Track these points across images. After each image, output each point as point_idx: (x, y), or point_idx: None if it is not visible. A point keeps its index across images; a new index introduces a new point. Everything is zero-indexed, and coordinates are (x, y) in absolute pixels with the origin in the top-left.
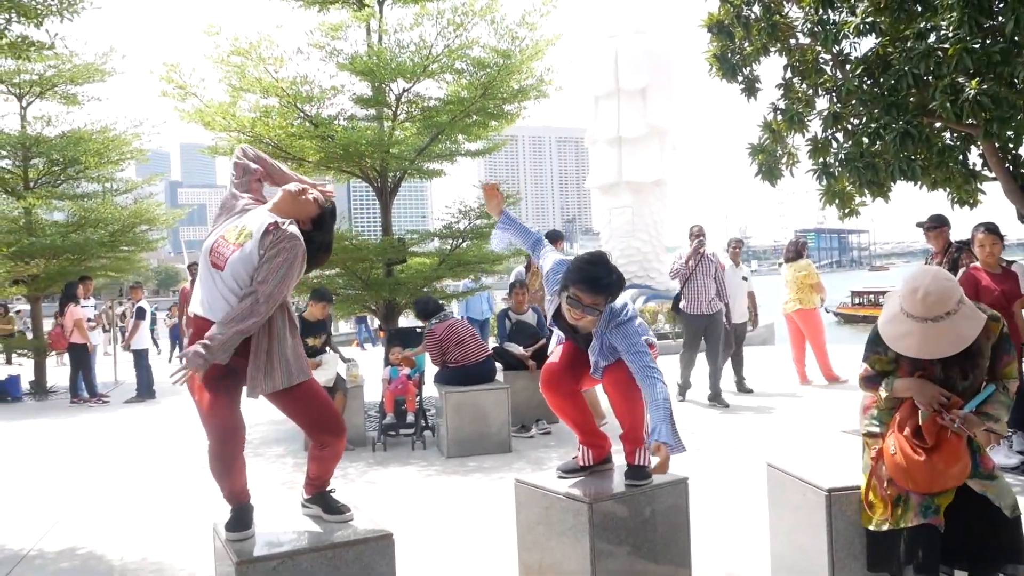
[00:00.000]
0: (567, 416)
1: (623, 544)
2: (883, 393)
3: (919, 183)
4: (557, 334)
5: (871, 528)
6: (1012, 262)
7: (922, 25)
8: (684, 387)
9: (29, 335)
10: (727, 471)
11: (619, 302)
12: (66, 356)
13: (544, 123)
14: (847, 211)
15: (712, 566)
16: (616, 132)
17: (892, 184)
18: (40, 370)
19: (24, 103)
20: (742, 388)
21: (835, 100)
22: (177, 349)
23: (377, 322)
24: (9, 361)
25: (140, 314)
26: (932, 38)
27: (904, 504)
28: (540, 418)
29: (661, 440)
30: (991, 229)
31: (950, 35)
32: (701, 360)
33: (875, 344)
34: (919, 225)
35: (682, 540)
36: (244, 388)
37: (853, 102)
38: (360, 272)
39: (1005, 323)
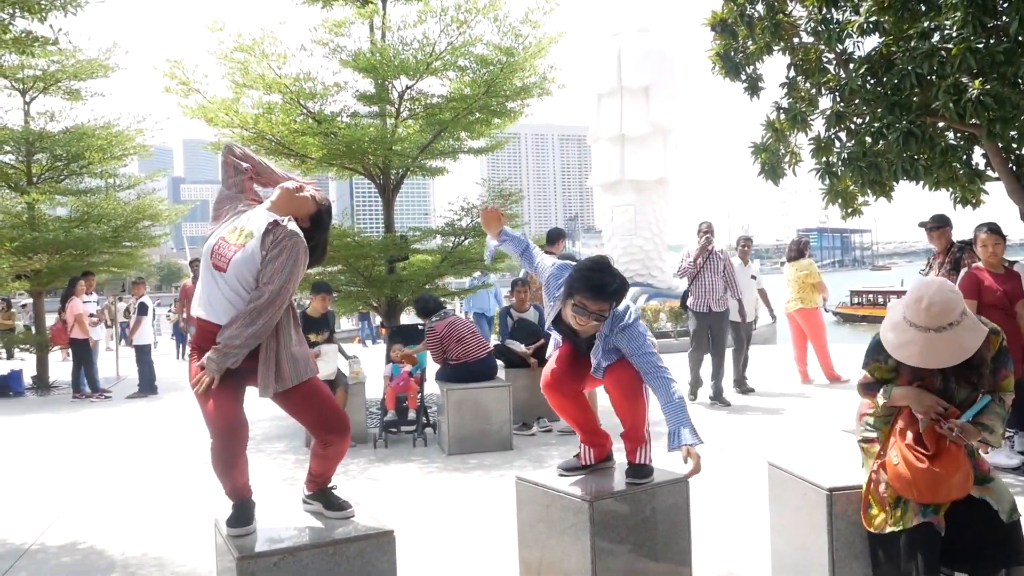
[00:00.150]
0: (569, 416)
1: (623, 542)
2: (881, 400)
3: (922, 183)
4: (555, 337)
5: (873, 531)
6: (1014, 262)
7: (926, 24)
8: (695, 386)
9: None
10: (728, 470)
11: (621, 305)
12: (70, 351)
13: (547, 121)
14: (850, 210)
15: (712, 565)
16: (619, 130)
17: (895, 184)
18: (42, 365)
19: (28, 98)
20: (743, 388)
21: (838, 99)
22: (182, 347)
23: (379, 319)
24: (11, 356)
25: (142, 310)
26: (936, 38)
27: (904, 505)
28: (541, 416)
29: (686, 443)
30: (994, 229)
31: (954, 35)
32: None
33: (875, 352)
34: (921, 225)
35: (683, 539)
36: (247, 387)
37: (856, 101)
38: (362, 269)
39: (1004, 337)
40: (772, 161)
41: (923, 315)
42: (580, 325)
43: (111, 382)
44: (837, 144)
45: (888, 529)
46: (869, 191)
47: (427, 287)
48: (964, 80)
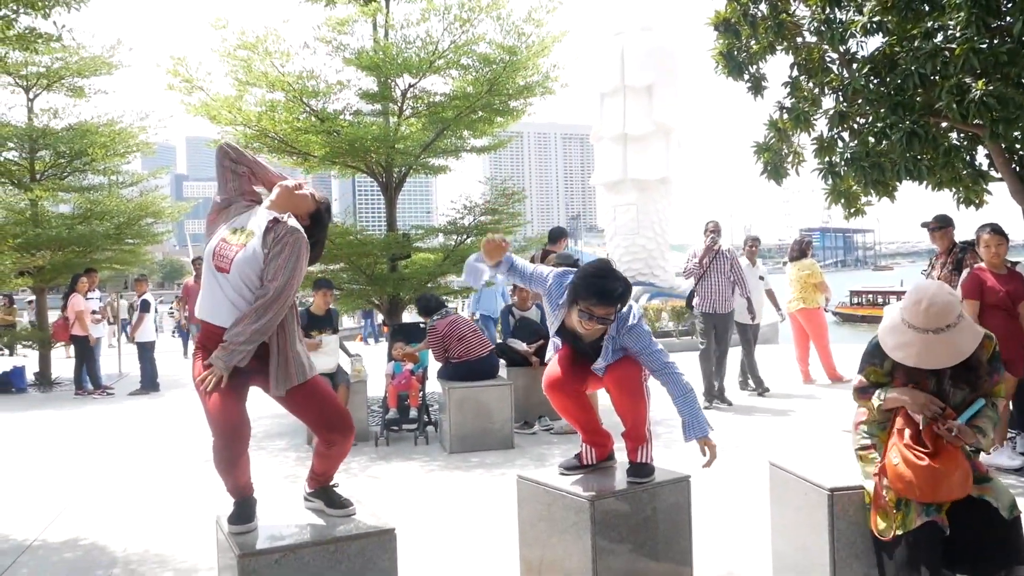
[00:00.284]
0: (571, 416)
1: (624, 542)
2: (876, 402)
3: (925, 183)
4: (554, 341)
5: (878, 536)
6: (1016, 263)
7: (929, 24)
8: (709, 389)
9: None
10: (729, 470)
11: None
12: (72, 348)
13: (550, 120)
14: (852, 210)
15: (713, 564)
16: (622, 129)
17: (898, 184)
18: (45, 361)
19: (31, 95)
20: (745, 387)
21: (841, 99)
22: (187, 345)
23: (381, 317)
24: (12, 352)
25: (145, 307)
26: (939, 38)
27: (906, 507)
28: (543, 415)
29: (701, 435)
30: (997, 230)
31: (957, 35)
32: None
33: (871, 356)
34: (924, 225)
35: (683, 538)
36: (251, 387)
37: (859, 101)
38: (364, 267)
39: (997, 342)
40: (775, 161)
41: (922, 316)
42: (587, 330)
43: (113, 379)
44: (840, 144)
45: (893, 534)
46: (872, 191)
47: (429, 285)
48: (967, 80)
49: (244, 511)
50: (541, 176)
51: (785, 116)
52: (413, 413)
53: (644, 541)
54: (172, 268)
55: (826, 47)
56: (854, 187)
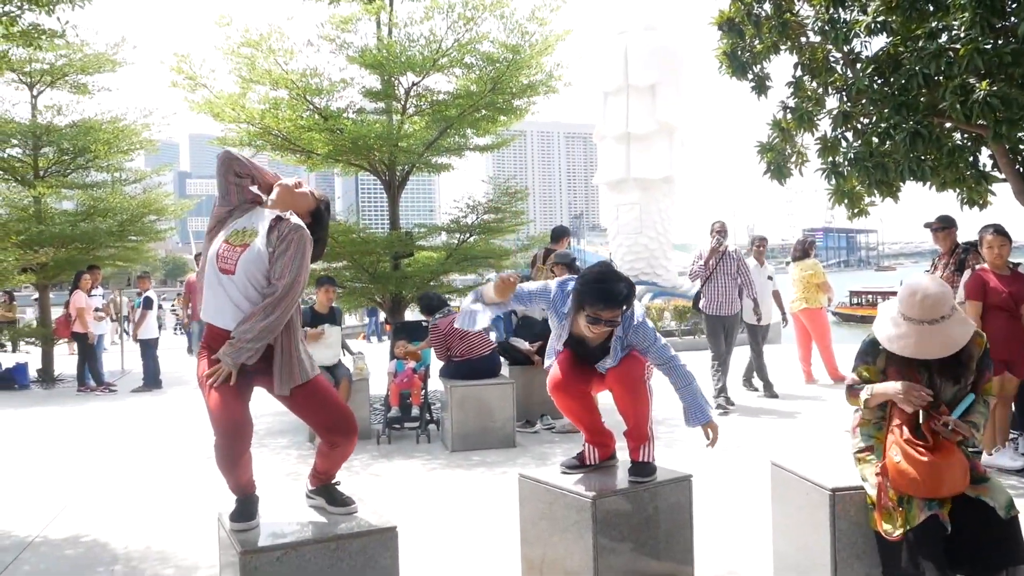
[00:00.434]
0: (575, 416)
1: (626, 540)
2: (864, 396)
3: (928, 183)
4: (552, 347)
5: (883, 536)
6: (1018, 264)
7: (933, 25)
8: (722, 393)
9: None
10: (731, 469)
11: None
12: (75, 345)
13: (553, 118)
14: (856, 211)
15: (714, 564)
16: (625, 128)
17: (901, 184)
18: (47, 358)
19: (35, 92)
20: (749, 387)
21: (845, 99)
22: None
23: (383, 315)
24: (16, 349)
25: (147, 304)
26: (943, 38)
27: (908, 504)
28: (545, 413)
29: (704, 422)
30: (1000, 231)
31: (962, 35)
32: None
33: (865, 354)
34: (927, 226)
35: (685, 537)
36: (255, 388)
37: (863, 101)
38: (367, 265)
39: (988, 341)
40: (778, 161)
41: (917, 308)
42: (595, 334)
43: (116, 376)
44: (844, 144)
45: (897, 533)
46: (875, 191)
47: (431, 284)
48: (971, 81)
49: (246, 509)
50: (544, 175)
51: (789, 116)
52: (415, 411)
53: (645, 540)
54: (175, 265)
55: (830, 47)
56: (857, 187)
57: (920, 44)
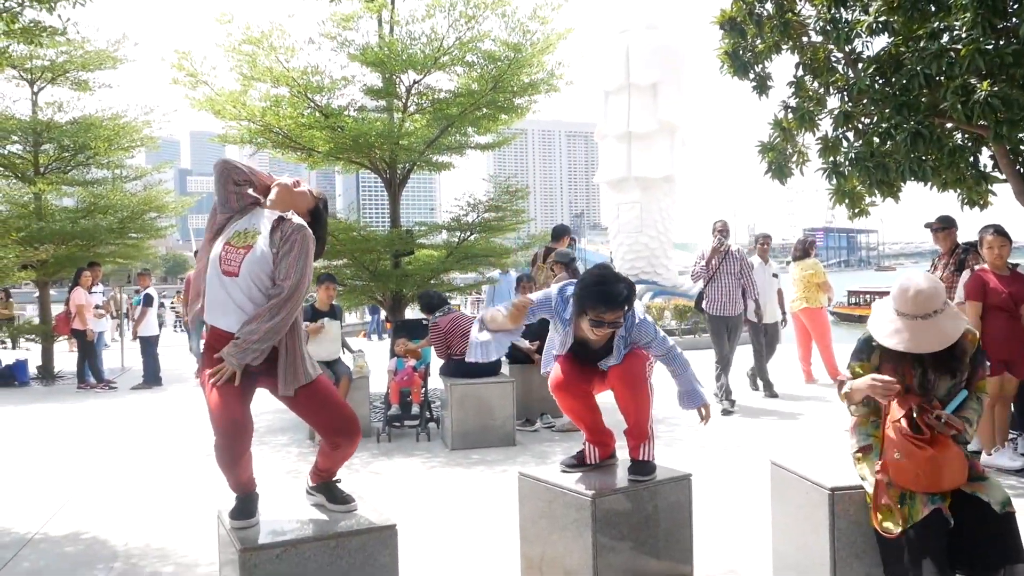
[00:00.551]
0: (577, 416)
1: (625, 539)
2: (844, 391)
3: (929, 184)
4: (549, 353)
5: (884, 535)
6: (1016, 265)
7: (935, 25)
8: (727, 393)
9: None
10: (731, 468)
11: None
12: (75, 342)
13: (554, 117)
14: (857, 211)
15: (714, 563)
16: (626, 127)
17: (902, 184)
18: (47, 355)
19: (35, 88)
20: (756, 387)
21: (846, 99)
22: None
23: (384, 313)
24: (15, 346)
25: (147, 301)
26: (945, 38)
27: (910, 500)
28: (545, 412)
29: (700, 404)
30: (1000, 231)
31: (963, 36)
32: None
33: (859, 352)
34: (927, 226)
35: (684, 536)
36: (257, 387)
37: (864, 101)
38: (368, 263)
39: (987, 341)
40: (779, 160)
41: (910, 303)
42: (598, 336)
43: (116, 373)
44: (845, 144)
45: (900, 530)
46: (876, 191)
47: (432, 282)
48: (973, 81)
49: (246, 506)
50: (545, 174)
51: (790, 116)
52: (415, 409)
53: (645, 539)
54: (176, 263)
55: (831, 47)
56: (858, 187)
57: (921, 44)
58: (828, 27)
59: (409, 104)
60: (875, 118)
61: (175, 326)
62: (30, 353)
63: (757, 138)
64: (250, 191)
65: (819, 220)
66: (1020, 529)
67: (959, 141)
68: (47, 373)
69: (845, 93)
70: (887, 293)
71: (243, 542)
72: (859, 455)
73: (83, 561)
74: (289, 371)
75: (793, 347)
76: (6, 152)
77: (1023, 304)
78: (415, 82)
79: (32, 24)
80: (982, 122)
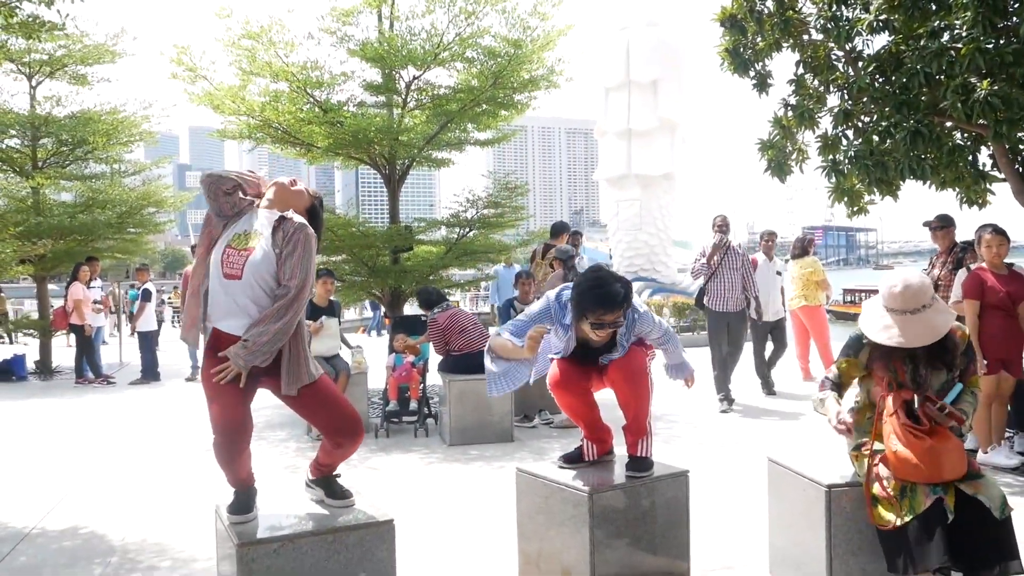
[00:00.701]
0: (576, 413)
1: (622, 535)
2: (819, 397)
3: (928, 182)
4: (545, 357)
5: (882, 529)
6: (1011, 264)
7: (936, 24)
8: (726, 394)
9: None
10: (728, 465)
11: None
12: (73, 337)
13: (554, 114)
14: (856, 209)
15: (710, 559)
16: (626, 124)
17: (901, 183)
18: (45, 350)
19: (34, 83)
20: (767, 388)
21: (846, 97)
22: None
23: (383, 309)
24: (12, 341)
25: (146, 296)
26: (945, 37)
27: (911, 492)
28: (543, 408)
29: (688, 373)
30: (998, 230)
31: (963, 34)
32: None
33: (848, 348)
34: (926, 224)
35: (681, 532)
36: (259, 387)
37: (864, 99)
38: (367, 259)
39: (984, 340)
40: (779, 158)
41: (899, 299)
42: (600, 337)
43: (114, 368)
44: (844, 142)
45: (901, 522)
46: (875, 190)
47: (431, 278)
48: (972, 80)
49: (244, 501)
50: (545, 170)
51: (790, 113)
52: (413, 405)
53: (642, 535)
54: (174, 258)
55: (832, 45)
56: (857, 185)
57: (922, 43)
58: (829, 25)
59: (409, 100)
60: (875, 116)
61: (173, 321)
62: (28, 348)
63: (757, 136)
64: (241, 195)
65: (818, 218)
66: (1016, 526)
67: (958, 140)
68: (45, 368)
69: (845, 91)
70: None
71: (241, 537)
72: (856, 452)
73: (80, 556)
74: (292, 371)
75: (791, 344)
76: (4, 146)
77: (1021, 303)
78: (415, 78)
79: (30, 18)
80: (982, 121)
